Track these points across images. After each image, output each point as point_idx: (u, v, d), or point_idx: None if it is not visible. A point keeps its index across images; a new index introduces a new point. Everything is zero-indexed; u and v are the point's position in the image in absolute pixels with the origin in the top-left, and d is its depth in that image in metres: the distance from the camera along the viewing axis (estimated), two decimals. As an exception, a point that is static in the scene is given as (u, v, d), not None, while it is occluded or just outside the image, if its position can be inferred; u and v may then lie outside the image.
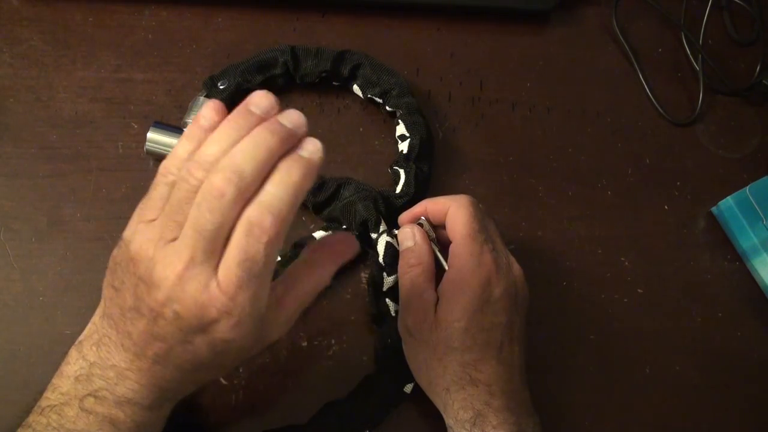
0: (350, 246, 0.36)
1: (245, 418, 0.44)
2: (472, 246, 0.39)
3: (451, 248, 0.41)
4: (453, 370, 0.39)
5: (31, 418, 0.34)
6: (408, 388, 0.43)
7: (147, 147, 0.47)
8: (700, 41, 0.58)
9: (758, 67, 0.58)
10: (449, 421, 0.40)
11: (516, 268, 0.42)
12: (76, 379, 0.33)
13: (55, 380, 0.34)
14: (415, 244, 0.42)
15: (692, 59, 0.58)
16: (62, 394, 0.33)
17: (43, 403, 0.34)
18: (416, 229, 0.43)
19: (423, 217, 0.44)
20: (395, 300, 0.44)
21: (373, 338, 0.46)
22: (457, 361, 0.39)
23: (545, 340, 0.49)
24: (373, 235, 0.46)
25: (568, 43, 0.58)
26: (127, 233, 0.32)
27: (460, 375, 0.39)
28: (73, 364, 0.34)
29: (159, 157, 0.48)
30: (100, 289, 0.47)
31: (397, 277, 0.44)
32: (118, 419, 0.33)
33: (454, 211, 0.41)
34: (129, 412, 0.33)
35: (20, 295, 0.45)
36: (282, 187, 0.29)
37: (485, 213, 0.42)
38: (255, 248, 0.28)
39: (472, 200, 0.42)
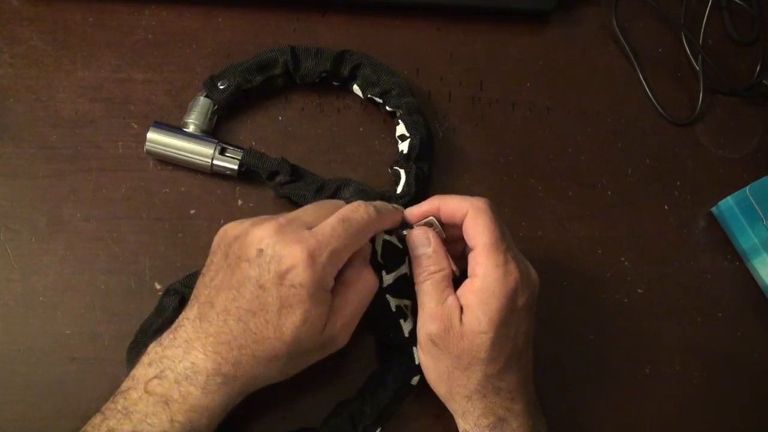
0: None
1: (257, 422, 0.44)
2: (497, 256, 0.38)
3: (473, 256, 0.39)
4: (476, 380, 0.39)
5: (105, 405, 0.36)
6: (415, 380, 0.43)
7: (147, 147, 0.47)
8: (700, 41, 0.58)
9: (758, 67, 0.58)
10: (466, 426, 0.41)
11: (533, 273, 0.41)
12: (149, 364, 0.36)
13: (132, 370, 0.37)
14: (433, 251, 0.41)
15: (692, 59, 0.58)
16: (133, 379, 0.36)
17: (118, 390, 0.36)
18: (431, 232, 0.42)
19: (432, 217, 0.42)
20: (395, 296, 0.43)
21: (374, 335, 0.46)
22: (482, 371, 0.39)
23: (545, 340, 0.48)
24: None
25: (568, 43, 0.58)
26: None
27: (483, 384, 0.39)
28: (150, 353, 0.37)
29: (159, 157, 0.48)
30: (100, 289, 0.47)
31: (397, 275, 0.43)
32: (172, 399, 0.35)
33: (473, 216, 0.39)
34: (184, 392, 0.35)
35: (20, 295, 0.45)
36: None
37: (499, 215, 0.41)
38: (354, 215, 0.38)
39: (489, 204, 0.40)
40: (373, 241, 0.44)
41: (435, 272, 0.40)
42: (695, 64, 0.58)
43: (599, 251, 0.52)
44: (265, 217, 0.38)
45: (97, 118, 0.50)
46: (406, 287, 0.43)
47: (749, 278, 0.52)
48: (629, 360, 0.49)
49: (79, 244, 0.47)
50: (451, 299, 0.40)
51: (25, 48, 0.51)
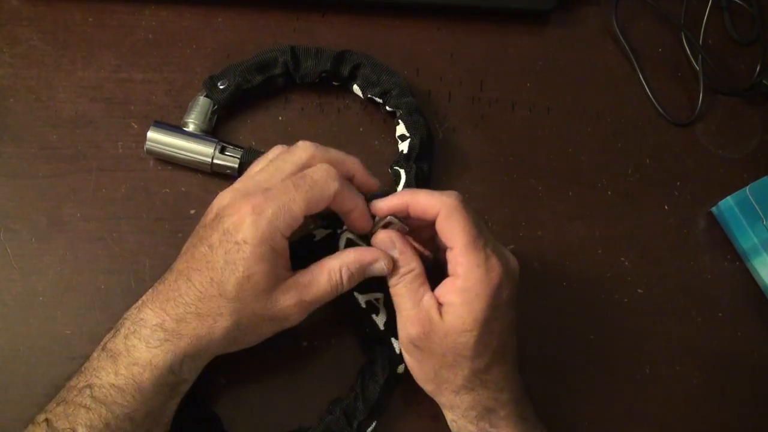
0: (377, 267, 0.40)
1: (254, 423, 0.44)
2: (476, 255, 0.38)
3: (453, 255, 0.38)
4: (463, 376, 0.39)
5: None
6: (400, 368, 0.43)
7: (147, 146, 0.47)
8: (700, 41, 0.58)
9: (758, 67, 0.58)
10: (454, 416, 0.41)
11: (513, 261, 0.40)
12: (113, 327, 0.38)
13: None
14: (399, 252, 0.40)
15: (692, 59, 0.58)
16: (100, 341, 0.38)
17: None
18: (394, 235, 0.40)
19: (390, 216, 0.40)
20: (363, 292, 0.43)
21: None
22: (468, 368, 0.39)
23: (545, 341, 0.49)
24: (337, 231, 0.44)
25: (568, 43, 0.58)
26: None
27: (470, 379, 0.39)
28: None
29: (159, 156, 0.48)
30: (100, 289, 0.47)
31: None
32: (119, 352, 0.36)
33: (446, 217, 0.38)
34: (129, 345, 0.36)
35: (20, 295, 0.45)
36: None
37: (469, 208, 0.39)
38: (311, 173, 0.37)
39: (461, 199, 0.39)
40: (337, 240, 0.43)
41: (405, 273, 0.39)
42: (695, 64, 0.58)
43: (599, 251, 0.52)
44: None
45: (97, 118, 0.50)
46: (373, 282, 0.41)
47: (749, 278, 0.52)
48: (629, 360, 0.49)
49: (79, 244, 0.47)
50: (426, 299, 0.39)
51: (25, 48, 0.51)
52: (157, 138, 0.47)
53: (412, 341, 0.39)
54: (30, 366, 0.44)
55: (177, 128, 0.48)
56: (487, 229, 0.40)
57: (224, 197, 0.38)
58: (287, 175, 0.38)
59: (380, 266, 0.39)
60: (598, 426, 0.48)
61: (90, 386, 0.35)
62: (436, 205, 0.39)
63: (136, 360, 0.35)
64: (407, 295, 0.39)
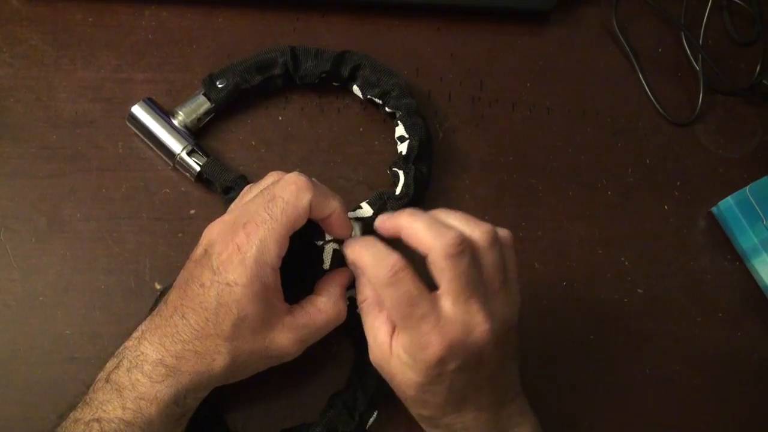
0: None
1: (255, 419, 0.44)
2: (410, 333, 0.35)
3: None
4: (416, 412, 0.39)
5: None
6: None
7: (128, 119, 0.48)
8: (700, 41, 0.58)
9: (758, 67, 0.58)
10: None
11: (478, 331, 0.35)
12: (115, 356, 0.38)
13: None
14: (357, 279, 0.39)
15: (692, 59, 0.58)
16: (103, 370, 0.37)
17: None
18: (354, 260, 0.38)
19: (355, 227, 0.40)
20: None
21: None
22: (416, 410, 0.39)
23: (545, 341, 0.49)
24: (319, 243, 0.43)
25: (568, 43, 0.58)
26: None
27: (421, 418, 0.39)
28: (120, 347, 0.38)
29: (136, 131, 0.48)
30: (100, 289, 0.47)
31: None
32: (124, 386, 0.36)
33: (433, 265, 0.35)
34: (133, 380, 0.36)
35: (20, 295, 0.45)
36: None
37: (453, 259, 0.34)
38: (283, 196, 0.36)
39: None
40: (322, 251, 0.43)
41: (362, 301, 0.39)
42: (695, 64, 0.58)
43: (599, 251, 0.52)
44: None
45: (97, 118, 0.50)
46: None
47: (749, 278, 0.52)
48: (629, 360, 0.49)
49: (79, 244, 0.47)
50: (381, 335, 0.37)
51: (25, 48, 0.51)
52: (140, 115, 0.47)
53: (373, 363, 0.39)
54: (30, 366, 0.44)
55: (164, 114, 0.48)
56: (495, 267, 0.36)
57: (213, 230, 0.38)
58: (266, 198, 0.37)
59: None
60: (598, 426, 0.48)
61: (98, 420, 0.35)
62: (426, 248, 0.35)
63: (141, 394, 0.35)
64: (366, 321, 0.39)
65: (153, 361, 0.36)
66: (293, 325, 0.38)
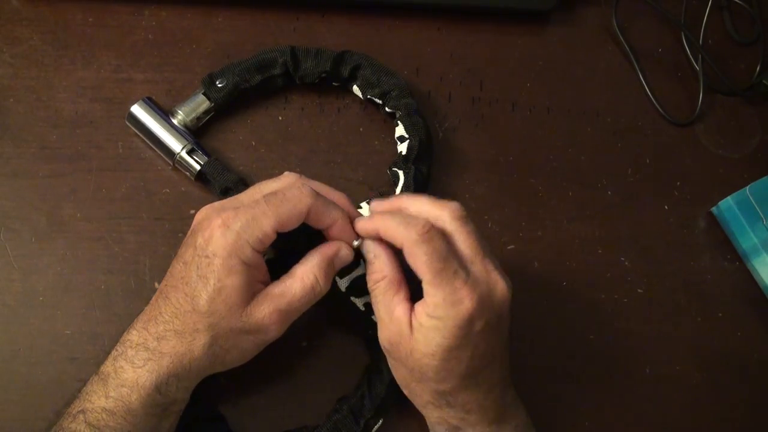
0: (342, 255, 0.39)
1: (261, 420, 0.44)
2: (443, 288, 0.35)
3: (423, 285, 0.37)
4: (429, 393, 0.39)
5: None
6: None
7: (127, 118, 0.48)
8: (700, 41, 0.58)
9: (758, 67, 0.58)
10: (428, 423, 0.42)
11: (500, 288, 0.37)
12: (108, 354, 0.38)
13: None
14: (374, 256, 0.39)
15: (692, 59, 0.58)
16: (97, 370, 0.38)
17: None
18: (374, 242, 0.39)
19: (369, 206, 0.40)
20: (358, 296, 0.43)
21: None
22: (432, 388, 0.38)
23: (545, 341, 0.49)
24: None
25: (568, 43, 0.58)
26: None
27: (436, 398, 0.39)
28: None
29: (136, 131, 0.48)
30: (100, 289, 0.47)
31: (351, 278, 0.43)
32: (109, 375, 0.36)
33: (408, 253, 0.36)
34: (117, 367, 0.36)
35: (20, 295, 0.45)
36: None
37: (465, 226, 0.37)
38: (285, 191, 0.37)
39: (426, 230, 0.36)
40: None
41: (379, 280, 0.38)
42: (695, 64, 0.58)
43: (599, 251, 0.52)
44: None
45: (97, 118, 0.50)
46: (366, 285, 0.41)
47: (749, 278, 0.52)
48: (629, 360, 0.49)
49: (79, 244, 0.47)
50: (399, 310, 0.37)
51: (25, 48, 0.51)
52: (140, 114, 0.47)
53: (385, 347, 0.39)
54: (30, 366, 0.44)
55: (164, 114, 0.48)
56: (473, 246, 0.37)
57: (201, 213, 0.38)
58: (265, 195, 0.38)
59: (345, 253, 0.39)
60: (598, 426, 0.48)
61: (83, 411, 0.36)
62: (398, 239, 0.37)
63: (123, 381, 0.36)
64: (382, 301, 0.38)
65: (135, 345, 0.36)
66: (269, 295, 0.37)
